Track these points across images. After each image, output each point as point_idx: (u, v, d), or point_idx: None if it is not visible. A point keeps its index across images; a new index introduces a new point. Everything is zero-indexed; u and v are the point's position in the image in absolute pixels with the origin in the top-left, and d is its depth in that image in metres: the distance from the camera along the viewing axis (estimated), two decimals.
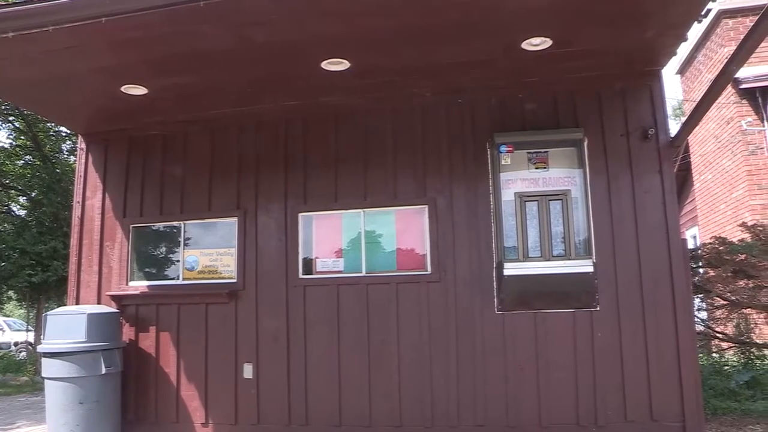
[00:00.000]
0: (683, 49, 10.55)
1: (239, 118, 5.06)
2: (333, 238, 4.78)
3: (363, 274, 4.63)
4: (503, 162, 4.35)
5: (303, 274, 4.76)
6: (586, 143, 4.37)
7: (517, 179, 4.39)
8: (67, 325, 4.55)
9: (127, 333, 5.11)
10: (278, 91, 4.65)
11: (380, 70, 4.27)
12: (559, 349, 4.33)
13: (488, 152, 4.57)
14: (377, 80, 4.42)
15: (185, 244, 5.08)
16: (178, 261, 5.10)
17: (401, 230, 4.67)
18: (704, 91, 3.88)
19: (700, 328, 5.36)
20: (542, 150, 4.40)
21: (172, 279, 5.10)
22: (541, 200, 4.30)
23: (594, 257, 4.22)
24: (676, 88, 24.54)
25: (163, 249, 5.21)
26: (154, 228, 5.27)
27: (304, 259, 4.81)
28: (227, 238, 4.98)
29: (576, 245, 4.22)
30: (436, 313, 4.49)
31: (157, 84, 4.40)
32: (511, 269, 4.20)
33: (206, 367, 4.89)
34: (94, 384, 4.56)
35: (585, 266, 4.15)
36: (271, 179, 4.97)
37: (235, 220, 4.98)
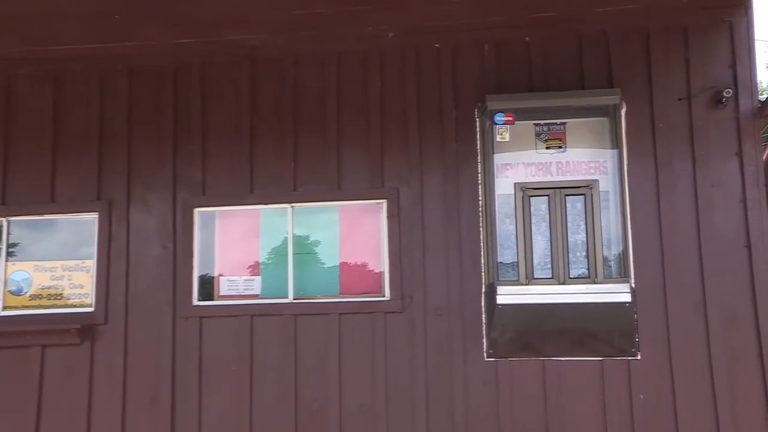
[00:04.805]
0: None
1: (102, 61, 4.58)
2: (246, 247, 4.42)
3: (290, 300, 4.28)
4: (499, 138, 4.03)
5: (200, 300, 4.36)
6: (624, 111, 4.09)
7: (518, 163, 4.08)
8: None
9: None
10: (165, 20, 4.18)
11: None
12: (581, 417, 3.99)
13: (477, 123, 4.24)
14: (314, 11, 4.06)
15: (9, 254, 4.55)
16: None
17: (347, 236, 4.37)
18: None
19: None
20: (557, 121, 4.08)
21: None
22: (555, 195, 3.98)
23: (633, 281, 3.92)
24: None
25: None
26: None
27: (202, 278, 4.39)
28: (80, 245, 4.52)
29: (606, 262, 3.93)
30: (398, 360, 4.16)
31: None
32: (507, 296, 3.89)
33: None
34: None
35: (619, 293, 3.81)
36: (151, 156, 4.52)
37: (94, 216, 4.48)
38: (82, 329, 4.28)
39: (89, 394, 4.28)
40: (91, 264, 4.43)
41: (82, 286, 4.45)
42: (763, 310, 3.93)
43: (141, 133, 4.53)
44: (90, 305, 4.38)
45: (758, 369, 3.89)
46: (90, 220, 4.47)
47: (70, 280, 4.47)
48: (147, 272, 4.37)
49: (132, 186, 4.47)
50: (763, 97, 4.14)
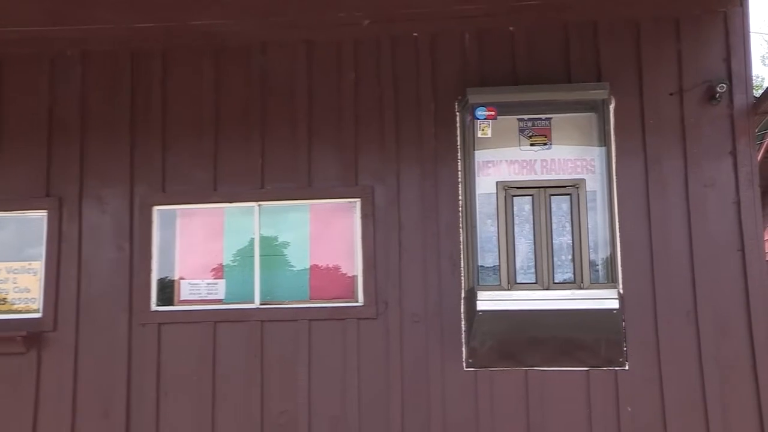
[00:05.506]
0: None
1: (53, 45, 4.50)
2: (209, 248, 4.40)
3: (256, 305, 4.25)
4: (480, 133, 4.03)
5: (159, 305, 4.32)
6: (612, 106, 4.08)
7: (501, 161, 4.09)
8: None
9: None
10: (121, 1, 4.12)
11: None
12: (565, 431, 3.98)
13: (457, 117, 4.26)
14: None
15: None
16: None
17: (319, 237, 4.37)
18: None
19: None
20: (542, 116, 4.08)
21: None
22: (539, 194, 3.98)
23: (621, 286, 3.92)
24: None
25: None
26: None
27: (162, 281, 4.36)
28: (26, 246, 4.47)
29: (592, 266, 3.92)
30: (371, 370, 4.15)
31: None
32: (488, 302, 3.87)
33: None
34: None
35: (606, 300, 3.81)
36: (106, 149, 4.44)
37: (43, 214, 4.41)
38: (28, 337, 4.19)
39: (35, 407, 4.19)
40: (39, 266, 4.36)
41: (28, 290, 4.39)
42: (757, 317, 3.93)
43: (95, 125, 4.45)
44: (37, 311, 4.32)
45: (752, 379, 3.89)
46: (38, 218, 4.39)
47: (15, 283, 4.40)
48: (101, 275, 4.29)
49: (85, 181, 4.38)
50: (758, 93, 4.14)
